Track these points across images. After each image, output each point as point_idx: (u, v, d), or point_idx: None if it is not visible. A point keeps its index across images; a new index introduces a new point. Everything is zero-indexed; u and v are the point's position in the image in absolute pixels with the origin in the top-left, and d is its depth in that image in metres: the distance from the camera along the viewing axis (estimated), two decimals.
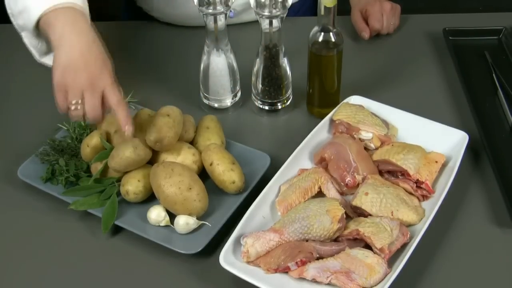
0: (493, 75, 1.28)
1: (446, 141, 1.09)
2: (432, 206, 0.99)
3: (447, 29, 1.38)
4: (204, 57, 1.18)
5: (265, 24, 1.11)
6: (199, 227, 1.00)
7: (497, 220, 1.03)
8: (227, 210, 1.02)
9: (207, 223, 1.00)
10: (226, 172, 1.03)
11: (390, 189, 1.01)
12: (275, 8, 1.09)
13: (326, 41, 1.12)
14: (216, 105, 1.24)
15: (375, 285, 0.90)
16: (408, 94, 1.27)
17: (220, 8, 1.10)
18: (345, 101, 1.17)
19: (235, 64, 1.20)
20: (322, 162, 1.08)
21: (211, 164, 1.04)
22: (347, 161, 1.05)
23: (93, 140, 1.07)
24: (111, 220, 1.01)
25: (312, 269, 0.91)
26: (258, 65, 1.18)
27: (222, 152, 1.06)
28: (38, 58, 1.08)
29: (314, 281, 0.91)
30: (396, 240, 0.94)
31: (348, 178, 1.04)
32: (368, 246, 0.95)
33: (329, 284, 0.90)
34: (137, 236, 1.00)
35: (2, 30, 1.43)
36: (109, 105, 0.98)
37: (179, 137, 1.07)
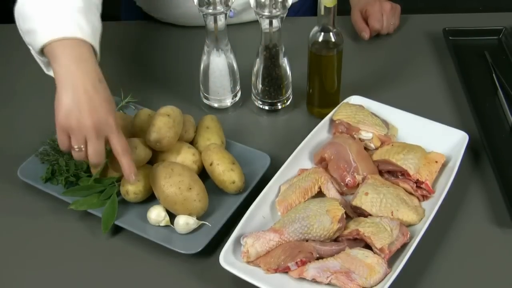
0: (493, 75, 1.28)
1: (446, 141, 1.09)
2: (432, 206, 0.99)
3: (447, 29, 1.38)
4: (204, 57, 1.18)
5: (265, 24, 1.11)
6: (199, 227, 1.00)
7: (497, 220, 1.03)
8: (227, 210, 1.02)
9: (207, 223, 1.00)
10: (226, 172, 1.03)
11: (390, 189, 1.01)
12: (275, 8, 1.09)
13: (326, 41, 1.12)
14: (216, 105, 1.24)
15: (375, 285, 0.90)
16: (408, 94, 1.27)
17: (220, 8, 1.10)
18: (345, 101, 1.17)
19: (235, 64, 1.20)
20: (322, 162, 1.08)
21: (211, 164, 1.04)
22: (347, 161, 1.05)
23: None
24: (111, 220, 1.01)
25: (312, 269, 0.91)
26: (258, 65, 1.18)
27: (222, 152, 1.06)
28: (46, 71, 1.05)
29: (314, 281, 0.91)
30: (396, 240, 0.94)
31: (348, 178, 1.04)
32: (368, 246, 0.95)
33: (329, 284, 0.90)
34: (137, 236, 1.00)
35: (2, 30, 1.43)
36: (113, 151, 0.96)
37: (179, 137, 1.07)
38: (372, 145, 1.11)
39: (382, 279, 0.90)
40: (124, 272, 0.98)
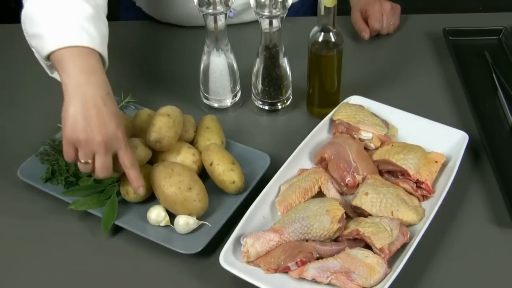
0: (493, 75, 1.28)
1: (446, 141, 1.09)
2: (432, 206, 0.99)
3: (447, 29, 1.38)
4: (204, 57, 1.18)
5: (265, 24, 1.11)
6: (199, 227, 1.00)
7: (497, 220, 1.03)
8: (227, 210, 1.02)
9: (207, 223, 1.00)
10: (226, 172, 1.03)
11: (390, 189, 1.01)
12: (275, 8, 1.09)
13: (326, 41, 1.12)
14: (216, 105, 1.24)
15: (375, 285, 0.90)
16: (408, 94, 1.27)
17: (220, 8, 1.10)
18: (345, 101, 1.17)
19: (235, 64, 1.20)
20: (322, 162, 1.08)
21: (211, 164, 1.04)
22: (347, 161, 1.05)
23: None
24: (111, 220, 1.01)
25: (312, 269, 0.91)
26: (258, 65, 1.18)
27: (222, 152, 1.06)
28: (49, 73, 1.04)
29: (314, 281, 0.91)
30: (396, 240, 0.94)
31: (348, 178, 1.04)
32: (368, 246, 0.95)
33: (329, 284, 0.90)
34: (137, 236, 1.00)
35: (2, 30, 1.43)
36: (121, 165, 0.96)
37: (179, 137, 1.07)
38: (372, 145, 1.11)
39: (382, 279, 0.90)
40: (124, 272, 0.98)
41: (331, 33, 1.12)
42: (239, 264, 0.93)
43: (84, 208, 1.03)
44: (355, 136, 1.11)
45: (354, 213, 1.01)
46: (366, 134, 1.10)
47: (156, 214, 1.01)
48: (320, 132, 1.13)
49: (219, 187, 1.05)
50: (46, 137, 1.14)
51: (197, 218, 1.00)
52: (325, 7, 1.07)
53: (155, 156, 1.06)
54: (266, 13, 1.09)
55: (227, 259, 0.93)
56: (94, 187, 1.04)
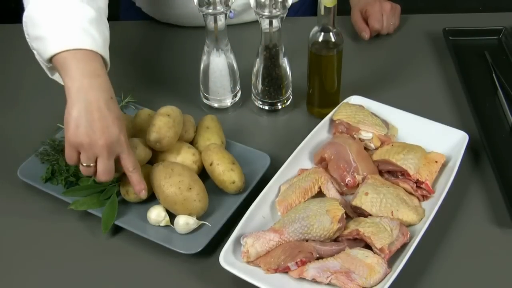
0: (493, 75, 1.28)
1: (446, 141, 1.09)
2: (432, 206, 0.99)
3: (447, 29, 1.38)
4: (204, 57, 1.18)
5: (265, 24, 1.11)
6: (199, 227, 1.00)
7: (497, 220, 1.03)
8: (227, 210, 1.02)
9: (207, 223, 1.00)
10: (226, 172, 1.03)
11: (390, 189, 1.01)
12: (275, 8, 1.09)
13: (326, 41, 1.12)
14: (216, 105, 1.24)
15: (375, 285, 0.90)
16: (408, 94, 1.27)
17: (220, 8, 1.10)
18: (345, 101, 1.17)
19: (235, 64, 1.20)
20: (322, 162, 1.08)
21: (211, 164, 1.04)
22: (347, 161, 1.05)
23: None
24: (111, 220, 1.01)
25: (312, 269, 0.91)
26: (258, 65, 1.18)
27: (222, 152, 1.06)
28: (50, 75, 1.03)
29: (314, 281, 0.91)
30: (396, 240, 0.94)
31: (348, 178, 1.04)
32: (368, 246, 0.95)
33: (329, 284, 0.90)
34: (137, 236, 1.00)
35: (2, 30, 1.43)
36: (124, 168, 0.97)
37: (179, 137, 1.07)
38: (372, 145, 1.11)
39: (382, 279, 0.90)
40: (124, 272, 0.98)
41: (331, 33, 1.12)
42: (239, 264, 0.93)
43: (84, 208, 1.03)
44: (355, 136, 1.11)
45: (354, 213, 1.01)
46: (366, 134, 1.10)
47: (156, 214, 1.01)
48: (320, 132, 1.13)
49: (219, 187, 1.05)
50: (46, 137, 1.14)
51: (197, 218, 1.00)
52: (325, 7, 1.07)
53: (155, 156, 1.06)
54: (266, 13, 1.09)
55: (227, 259, 0.93)
56: (94, 187, 1.04)
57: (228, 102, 1.24)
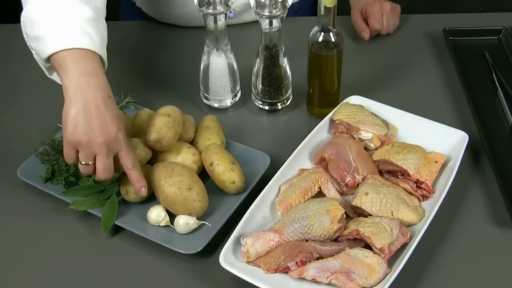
0: (493, 75, 1.28)
1: (446, 141, 1.09)
2: (432, 206, 0.99)
3: (447, 29, 1.38)
4: (204, 57, 1.18)
5: (265, 24, 1.11)
6: (199, 227, 1.00)
7: (497, 220, 1.03)
8: (227, 210, 1.02)
9: (207, 223, 1.00)
10: (226, 172, 1.03)
11: (390, 189, 1.01)
12: (275, 8, 1.09)
13: (326, 41, 1.12)
14: (216, 105, 1.24)
15: (375, 285, 0.90)
16: (408, 94, 1.27)
17: (220, 8, 1.10)
18: (345, 101, 1.17)
19: (235, 64, 1.20)
20: (322, 162, 1.08)
21: (211, 164, 1.04)
22: (347, 161, 1.05)
23: None
24: (111, 220, 1.01)
25: (312, 269, 0.91)
26: (258, 65, 1.18)
27: (222, 152, 1.06)
28: (48, 75, 1.04)
29: (314, 281, 0.91)
30: (396, 240, 0.94)
31: (348, 178, 1.04)
32: (368, 246, 0.95)
33: (329, 284, 0.90)
34: (137, 236, 1.00)
35: (2, 30, 1.43)
36: (123, 166, 0.97)
37: (179, 137, 1.07)
38: (372, 145, 1.11)
39: (382, 279, 0.90)
40: (124, 272, 0.98)
41: (331, 33, 1.12)
42: (239, 264, 0.93)
43: (84, 208, 1.03)
44: (355, 136, 1.11)
45: (354, 213, 1.01)
46: (366, 134, 1.10)
47: (156, 214, 1.01)
48: (320, 132, 1.13)
49: (219, 187, 1.05)
50: (46, 137, 1.14)
51: (197, 218, 1.00)
52: (325, 7, 1.07)
53: (155, 156, 1.06)
54: (266, 13, 1.09)
55: (227, 259, 0.93)
56: (94, 187, 1.04)
57: (228, 102, 1.24)
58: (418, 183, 1.03)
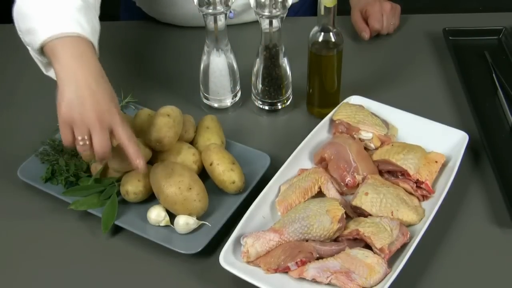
0: (493, 75, 1.28)
1: (446, 141, 1.09)
2: (432, 206, 0.99)
3: (447, 29, 1.38)
4: (204, 57, 1.18)
5: (265, 24, 1.11)
6: (199, 227, 1.00)
7: (497, 220, 1.03)
8: (227, 210, 1.02)
9: (207, 223, 1.00)
10: (226, 172, 1.03)
11: (390, 189, 1.01)
12: (275, 8, 1.09)
13: (326, 41, 1.12)
14: (216, 105, 1.24)
15: (375, 285, 0.90)
16: (408, 94, 1.27)
17: (220, 8, 1.10)
18: (345, 101, 1.17)
19: (235, 64, 1.20)
20: (322, 162, 1.08)
21: (211, 164, 1.04)
22: (347, 161, 1.05)
23: None
24: (111, 220, 1.01)
25: (312, 269, 0.91)
26: (258, 65, 1.18)
27: (222, 152, 1.06)
28: (45, 71, 1.05)
29: (314, 281, 0.91)
30: (396, 240, 0.94)
31: (348, 178, 1.04)
32: (368, 246, 0.95)
33: (329, 284, 0.90)
34: (137, 236, 1.00)
35: (2, 30, 1.43)
36: (119, 141, 0.96)
37: (179, 137, 1.07)
38: (372, 145, 1.11)
39: (382, 279, 0.90)
40: (124, 272, 0.98)
41: (331, 33, 1.12)
42: (239, 264, 0.93)
43: (84, 208, 1.03)
44: (355, 136, 1.11)
45: (354, 213, 1.01)
46: (366, 134, 1.10)
47: (156, 214, 1.01)
48: (320, 132, 1.13)
49: (219, 187, 1.05)
50: (46, 137, 1.14)
51: (197, 218, 1.00)
52: (325, 7, 1.07)
53: (155, 156, 1.06)
54: (266, 13, 1.09)
55: (227, 259, 0.93)
56: (94, 187, 1.04)
57: (228, 102, 1.24)
58: (418, 183, 1.03)
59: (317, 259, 0.93)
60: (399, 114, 1.15)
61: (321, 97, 1.20)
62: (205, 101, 1.24)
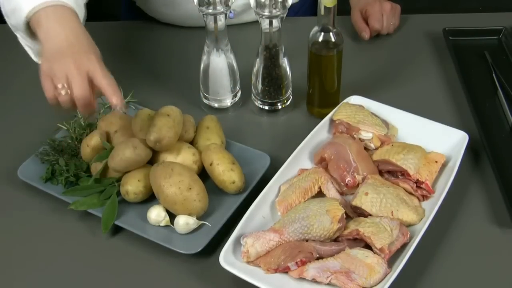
0: (493, 75, 1.28)
1: (446, 141, 1.09)
2: (432, 206, 0.99)
3: (447, 29, 1.38)
4: (204, 57, 1.18)
5: (265, 24, 1.11)
6: (199, 227, 1.00)
7: (497, 220, 1.03)
8: (227, 210, 1.02)
9: (207, 223, 1.00)
10: (226, 172, 1.03)
11: (390, 189, 1.01)
12: (275, 8, 1.09)
13: (326, 41, 1.12)
14: (216, 105, 1.24)
15: (375, 285, 0.90)
16: (408, 94, 1.27)
17: (220, 8, 1.10)
18: (345, 101, 1.17)
19: (235, 64, 1.20)
20: (322, 162, 1.08)
21: (211, 164, 1.04)
22: (347, 161, 1.05)
23: (93, 140, 1.07)
24: (111, 220, 1.01)
25: (312, 269, 0.91)
26: (258, 65, 1.18)
27: (222, 152, 1.06)
28: (35, 58, 1.07)
29: (314, 281, 0.91)
30: (396, 240, 0.94)
31: (348, 178, 1.04)
32: (368, 246, 0.95)
33: (329, 284, 0.90)
34: (137, 236, 1.00)
35: (2, 30, 1.43)
36: (97, 85, 0.95)
37: (179, 137, 1.07)
38: (372, 145, 1.11)
39: (382, 279, 0.90)
40: (124, 272, 0.98)
41: (331, 33, 1.12)
42: (239, 264, 0.93)
43: (84, 208, 1.03)
44: (355, 136, 1.11)
45: (354, 213, 1.01)
46: (366, 134, 1.10)
47: (156, 214, 1.01)
48: (320, 132, 1.13)
49: (219, 187, 1.05)
50: (46, 137, 1.14)
51: (197, 218, 1.00)
52: (325, 7, 1.07)
53: (155, 156, 1.06)
54: (266, 13, 1.09)
55: (227, 259, 0.93)
56: (94, 187, 1.04)
57: (228, 102, 1.24)
58: (418, 183, 1.03)
59: (317, 259, 0.93)
60: (399, 114, 1.15)
61: (321, 97, 1.20)
62: (205, 101, 1.24)
